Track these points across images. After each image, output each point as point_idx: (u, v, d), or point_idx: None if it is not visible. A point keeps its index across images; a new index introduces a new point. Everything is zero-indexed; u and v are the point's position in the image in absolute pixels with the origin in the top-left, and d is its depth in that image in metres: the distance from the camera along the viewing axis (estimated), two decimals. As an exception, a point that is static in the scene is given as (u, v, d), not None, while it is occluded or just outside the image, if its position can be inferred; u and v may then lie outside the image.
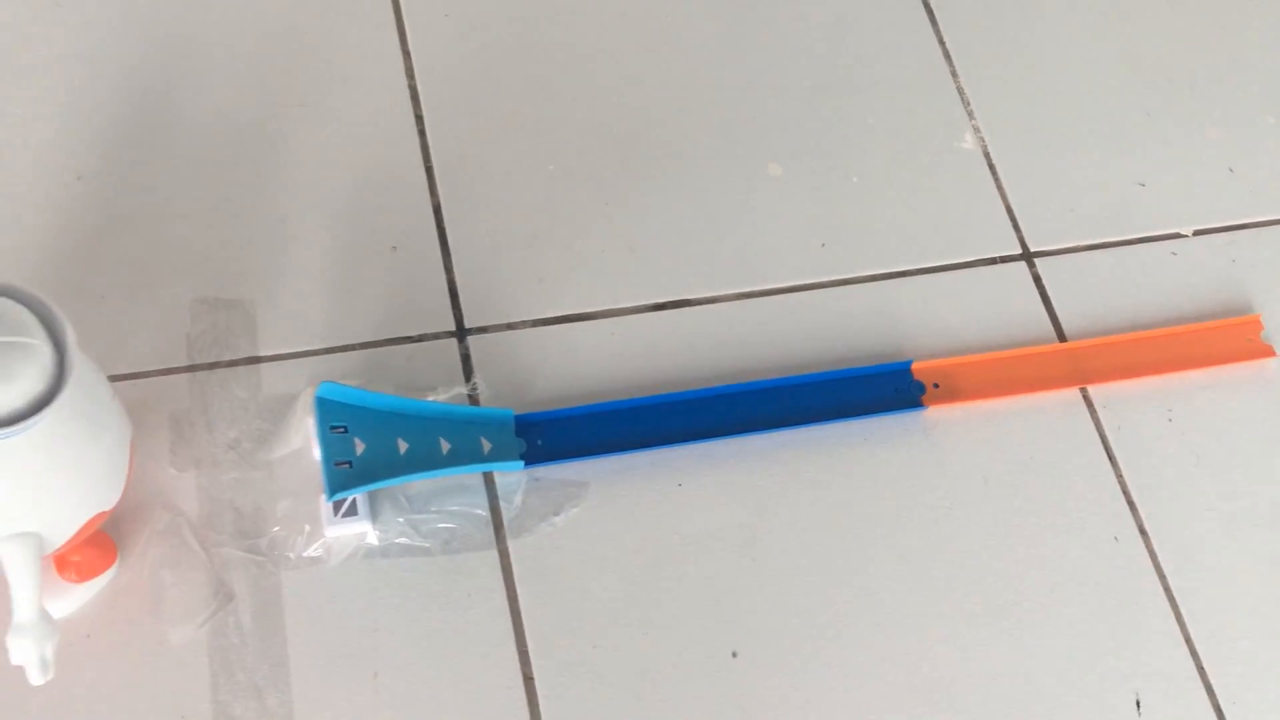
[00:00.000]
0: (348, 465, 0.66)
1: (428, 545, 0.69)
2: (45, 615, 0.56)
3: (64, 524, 0.57)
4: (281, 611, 0.66)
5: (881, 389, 0.76)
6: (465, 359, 0.75)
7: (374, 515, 0.68)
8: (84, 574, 0.64)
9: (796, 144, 0.84)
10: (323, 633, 0.66)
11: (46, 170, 0.76)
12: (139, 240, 0.75)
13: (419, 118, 0.82)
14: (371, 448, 0.67)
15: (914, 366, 0.77)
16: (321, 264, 0.76)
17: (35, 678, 0.56)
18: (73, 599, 0.64)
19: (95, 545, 0.63)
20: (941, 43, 0.89)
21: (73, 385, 0.52)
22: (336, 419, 0.67)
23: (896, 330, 0.79)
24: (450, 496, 0.70)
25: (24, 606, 0.56)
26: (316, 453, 0.69)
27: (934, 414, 0.75)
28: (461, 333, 0.76)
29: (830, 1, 0.90)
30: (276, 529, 0.68)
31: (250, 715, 0.63)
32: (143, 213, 0.76)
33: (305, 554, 0.68)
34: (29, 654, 0.56)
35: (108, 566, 0.65)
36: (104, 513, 0.59)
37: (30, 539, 0.55)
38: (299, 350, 0.73)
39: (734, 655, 0.68)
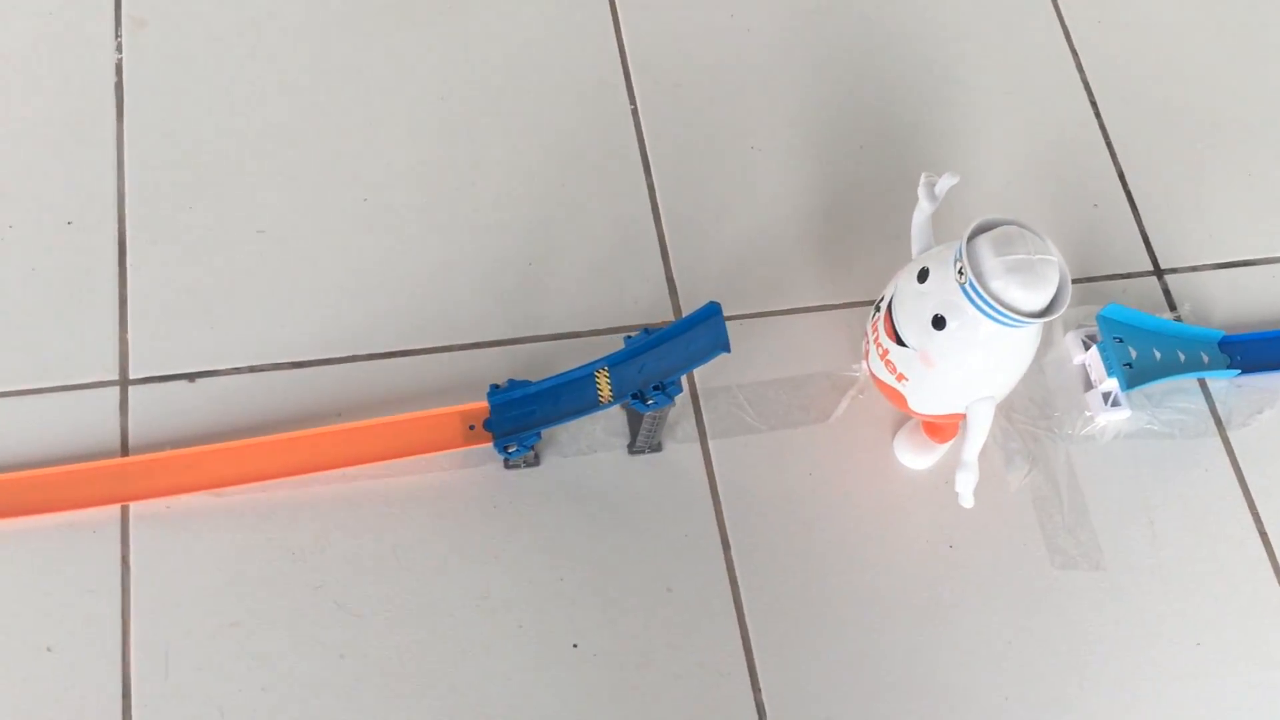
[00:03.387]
0: (1128, 367, 0.88)
1: (1170, 431, 0.91)
2: (978, 459, 0.79)
3: (1003, 394, 0.80)
4: (1073, 473, 0.88)
5: None
6: (1165, 292, 0.96)
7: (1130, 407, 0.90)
8: (945, 438, 0.87)
9: None
10: (1104, 490, 0.88)
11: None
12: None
13: (1093, 104, 1.04)
14: (1140, 355, 0.89)
15: None
16: (1041, 209, 0.98)
17: (966, 501, 0.79)
18: (934, 455, 0.87)
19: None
20: None
21: (1069, 291, 0.73)
22: (1116, 333, 0.89)
23: None
24: (1176, 396, 0.92)
25: (974, 450, 0.78)
26: (1077, 359, 0.91)
27: None
28: (1159, 272, 0.97)
29: None
30: (1056, 414, 0.90)
31: (1069, 546, 0.86)
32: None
33: (1082, 433, 0.90)
34: (968, 484, 0.78)
35: (954, 436, 0.87)
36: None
37: (993, 403, 0.78)
38: (1043, 281, 0.95)
39: None
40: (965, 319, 0.73)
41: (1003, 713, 0.80)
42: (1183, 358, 0.91)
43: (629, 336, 0.80)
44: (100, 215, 0.88)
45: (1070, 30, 1.07)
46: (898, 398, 0.81)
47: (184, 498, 0.80)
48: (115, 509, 0.79)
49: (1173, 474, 0.89)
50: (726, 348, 0.75)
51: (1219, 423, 0.91)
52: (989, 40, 1.06)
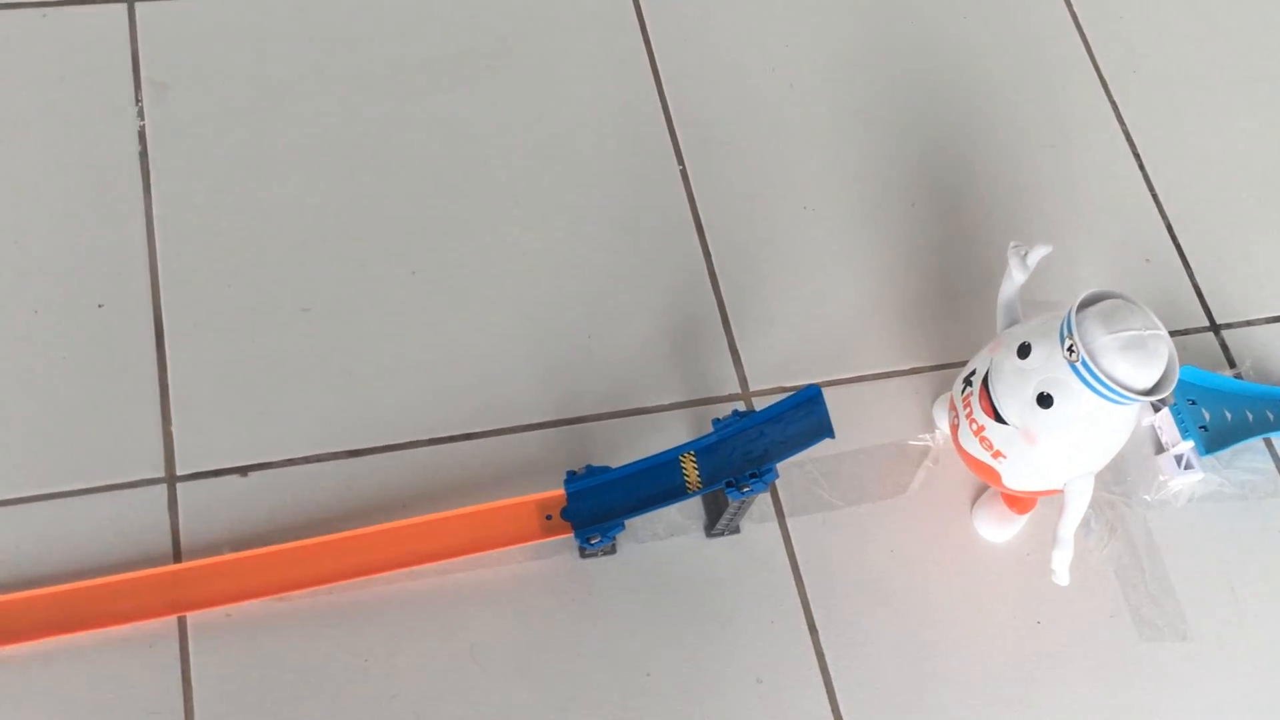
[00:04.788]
0: (1204, 429, 0.87)
1: (1242, 493, 0.89)
2: (1073, 535, 0.77)
3: (1100, 468, 0.78)
4: (1152, 540, 0.87)
5: None
6: (1223, 348, 0.95)
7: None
8: (1025, 509, 0.84)
9: None
10: (1184, 556, 0.86)
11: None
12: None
13: (1137, 157, 1.03)
14: (1213, 417, 0.88)
15: None
16: (1094, 267, 0.97)
17: (1062, 579, 0.76)
18: (1015, 526, 0.85)
19: (1039, 487, 0.84)
20: None
21: (1178, 366, 0.71)
22: (1191, 395, 0.88)
23: None
24: (1244, 455, 0.91)
25: (1070, 527, 0.76)
26: (1145, 420, 0.90)
27: None
28: (1215, 327, 0.96)
29: None
30: (1129, 478, 0.89)
31: (1155, 617, 0.84)
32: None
33: (1156, 497, 0.88)
34: (1064, 562, 0.76)
35: (1034, 506, 0.85)
36: (1098, 466, 0.80)
37: (1092, 478, 0.76)
38: (1105, 341, 0.94)
39: None
40: (1072, 396, 0.71)
41: (1106, 796, 0.78)
42: (1251, 417, 0.90)
43: (717, 420, 0.77)
44: (133, 296, 0.82)
45: (1109, 85, 1.06)
46: (991, 474, 0.78)
47: (245, 604, 0.74)
48: (172, 620, 0.73)
49: (1248, 537, 0.88)
50: (830, 433, 0.72)
51: (1289, 483, 0.91)
52: (1030, 95, 1.04)
